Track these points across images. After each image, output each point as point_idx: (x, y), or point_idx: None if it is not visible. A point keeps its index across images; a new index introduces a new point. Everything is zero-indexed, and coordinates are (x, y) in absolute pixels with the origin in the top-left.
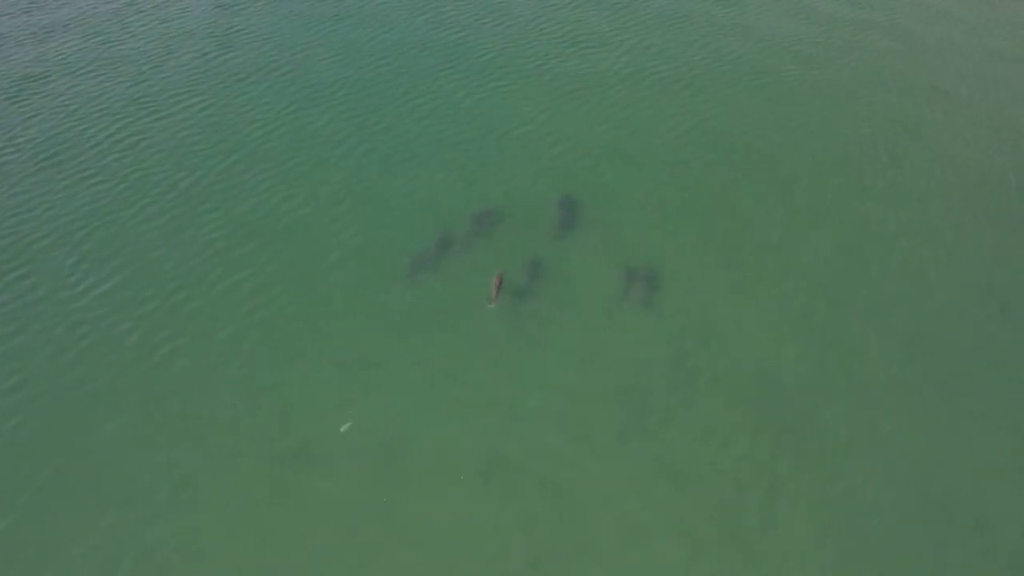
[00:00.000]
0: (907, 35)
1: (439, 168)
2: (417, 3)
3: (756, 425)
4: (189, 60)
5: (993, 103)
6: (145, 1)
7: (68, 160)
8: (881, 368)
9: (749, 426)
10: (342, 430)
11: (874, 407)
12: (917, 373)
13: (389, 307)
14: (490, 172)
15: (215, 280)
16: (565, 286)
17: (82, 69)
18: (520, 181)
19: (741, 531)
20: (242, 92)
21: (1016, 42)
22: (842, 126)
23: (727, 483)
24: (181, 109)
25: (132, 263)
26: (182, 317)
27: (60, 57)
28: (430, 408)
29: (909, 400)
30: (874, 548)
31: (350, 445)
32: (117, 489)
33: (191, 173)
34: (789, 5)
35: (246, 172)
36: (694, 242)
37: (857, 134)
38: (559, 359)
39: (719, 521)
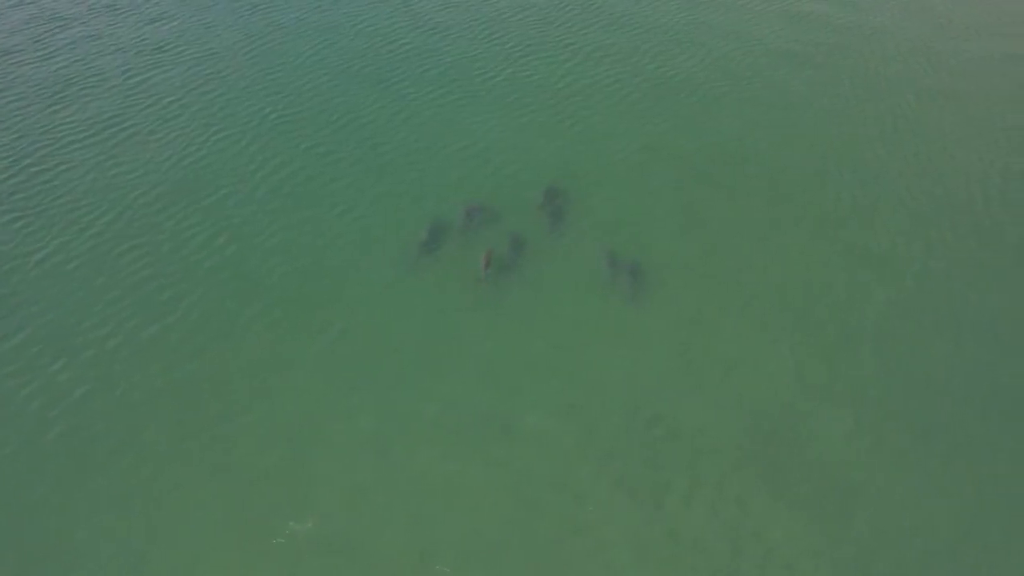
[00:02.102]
0: (876, 37)
1: (375, 193)
2: (356, 16)
3: (746, 472)
4: (114, 79)
5: (987, 111)
6: (72, 16)
7: None
8: (890, 409)
9: (737, 474)
10: (294, 527)
11: (879, 449)
12: (928, 417)
13: (327, 353)
14: (432, 194)
15: (132, 330)
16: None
17: None
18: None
19: None
20: (168, 114)
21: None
22: (802, 139)
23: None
24: (101, 135)
25: (40, 315)
26: (94, 376)
27: None
28: (389, 483)
29: (921, 445)
30: None
31: (303, 539)
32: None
33: (109, 208)
34: (747, 13)
35: (169, 205)
36: (666, 255)
37: (814, 148)
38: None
39: None
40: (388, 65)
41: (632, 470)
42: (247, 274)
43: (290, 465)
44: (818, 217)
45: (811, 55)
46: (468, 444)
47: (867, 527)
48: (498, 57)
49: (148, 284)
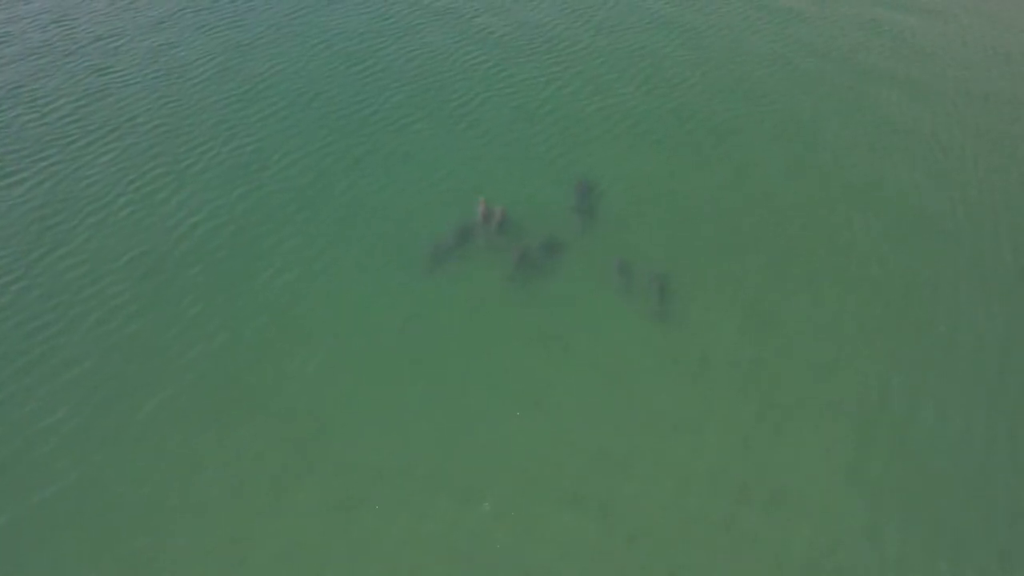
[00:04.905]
0: (872, 65)
1: (331, 254)
2: (320, 37)
3: None
4: (43, 106)
5: (993, 154)
6: (12, 33)
7: None
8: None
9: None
10: None
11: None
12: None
13: (255, 463)
14: (402, 247)
15: (38, 434)
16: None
17: None
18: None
19: None
20: (98, 151)
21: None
22: (802, 178)
23: None
24: (10, 176)
25: None
26: None
27: None
28: None
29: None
30: None
31: None
32: None
33: (7, 273)
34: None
35: (74, 267)
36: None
37: (818, 189)
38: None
39: None
40: (351, 91)
41: None
42: (155, 357)
43: None
44: (859, 278)
45: (833, 76)
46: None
47: None
48: (476, 79)
49: (37, 370)
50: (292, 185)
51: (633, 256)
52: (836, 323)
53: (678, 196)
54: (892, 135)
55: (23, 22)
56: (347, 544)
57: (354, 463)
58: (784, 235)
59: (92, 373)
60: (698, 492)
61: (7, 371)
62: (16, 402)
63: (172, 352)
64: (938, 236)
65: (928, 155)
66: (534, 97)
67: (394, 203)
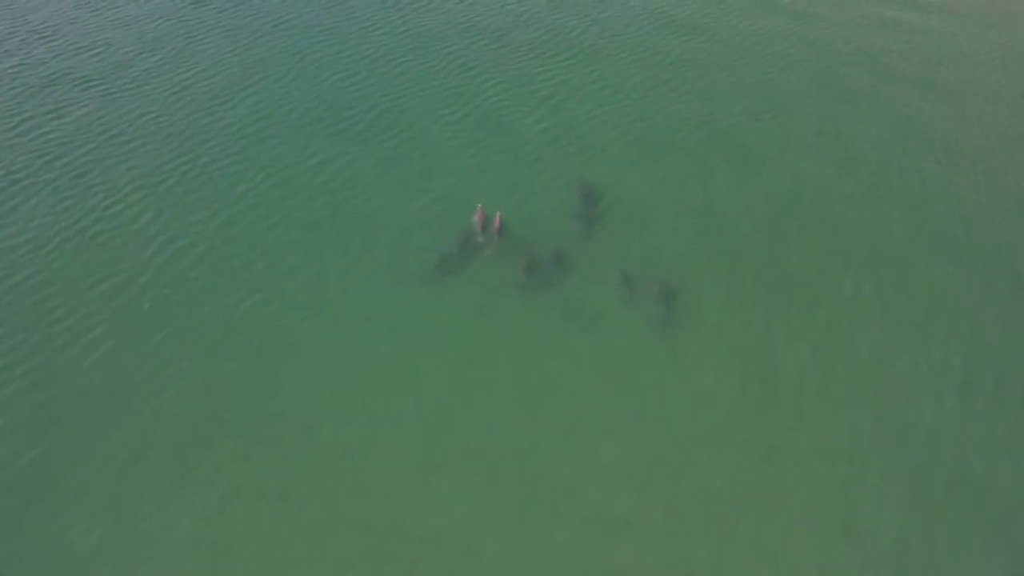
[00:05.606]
0: (874, 68)
1: (307, 272)
2: (299, 49)
3: None
4: (25, 123)
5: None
6: None
7: None
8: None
9: None
10: None
11: None
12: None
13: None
14: (388, 268)
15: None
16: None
17: None
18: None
19: None
20: (76, 169)
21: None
22: (802, 182)
23: None
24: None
25: None
26: None
27: None
28: None
29: None
30: None
31: None
32: None
33: None
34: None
35: (40, 294)
36: None
37: (818, 192)
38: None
39: None
40: (336, 101)
41: None
42: (123, 382)
43: None
44: (858, 280)
45: (834, 79)
46: None
47: None
48: (469, 86)
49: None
50: (272, 198)
51: (635, 263)
52: (836, 326)
53: (679, 202)
54: (893, 138)
55: (3, 35)
56: (343, 555)
57: (349, 472)
58: (784, 236)
59: (52, 401)
60: (698, 501)
61: None
62: None
63: (142, 375)
64: (938, 239)
65: (929, 158)
66: (530, 103)
67: (384, 214)
